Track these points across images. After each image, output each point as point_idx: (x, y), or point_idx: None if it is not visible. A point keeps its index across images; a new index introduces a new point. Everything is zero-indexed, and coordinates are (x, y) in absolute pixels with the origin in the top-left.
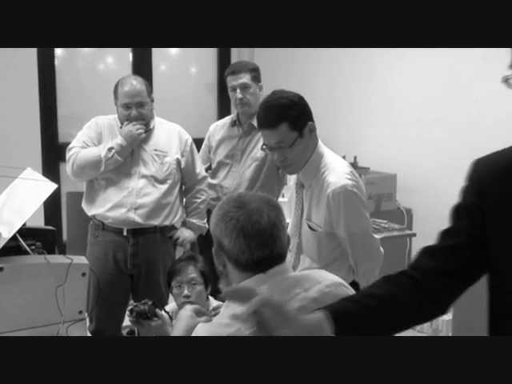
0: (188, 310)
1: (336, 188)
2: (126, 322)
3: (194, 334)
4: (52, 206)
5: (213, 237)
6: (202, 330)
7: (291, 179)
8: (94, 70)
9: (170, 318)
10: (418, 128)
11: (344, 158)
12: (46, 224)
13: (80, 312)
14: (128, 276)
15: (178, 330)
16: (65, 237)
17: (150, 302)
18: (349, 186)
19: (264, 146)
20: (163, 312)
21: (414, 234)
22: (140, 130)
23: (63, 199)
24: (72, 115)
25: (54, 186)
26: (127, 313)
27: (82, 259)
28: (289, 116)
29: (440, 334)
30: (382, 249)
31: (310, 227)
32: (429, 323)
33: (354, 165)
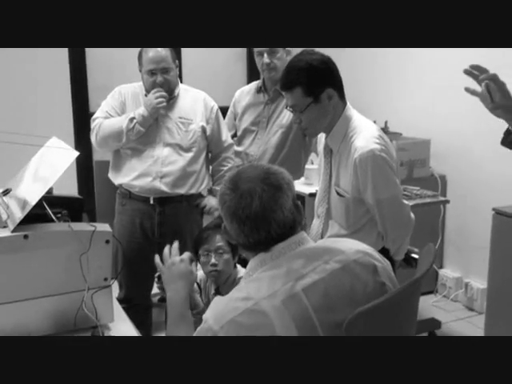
0: (181, 262)
1: (363, 152)
2: (156, 289)
3: (211, 306)
4: (84, 174)
5: None
6: (218, 303)
7: (320, 145)
8: None
9: (198, 285)
10: (452, 92)
11: (374, 122)
12: (79, 193)
13: (105, 279)
14: (156, 244)
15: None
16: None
17: None
18: (377, 150)
19: (286, 106)
20: None
21: (448, 201)
22: (160, 99)
23: (94, 168)
24: (102, 85)
25: (76, 153)
26: (155, 279)
27: (105, 227)
28: (303, 81)
29: (474, 304)
30: (412, 215)
31: (337, 193)
32: (464, 291)
33: (384, 130)
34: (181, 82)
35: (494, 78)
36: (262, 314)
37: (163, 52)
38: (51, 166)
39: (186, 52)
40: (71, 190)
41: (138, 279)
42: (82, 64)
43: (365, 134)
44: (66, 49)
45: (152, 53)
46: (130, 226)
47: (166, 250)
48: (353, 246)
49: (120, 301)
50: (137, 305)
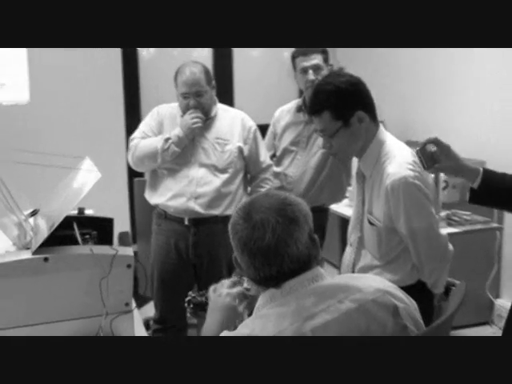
0: (227, 296)
1: (395, 179)
2: None
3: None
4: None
5: None
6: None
7: (354, 168)
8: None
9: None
10: (509, 113)
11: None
12: (130, 212)
13: (126, 304)
14: (191, 265)
15: (213, 321)
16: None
17: (201, 298)
18: (410, 177)
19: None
20: None
21: (500, 228)
22: (195, 120)
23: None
24: (155, 101)
25: (98, 175)
26: (185, 304)
27: (127, 250)
28: (332, 104)
29: None
30: (451, 247)
31: (369, 222)
32: None
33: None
34: (231, 99)
35: (437, 142)
36: None
37: (196, 75)
38: (77, 188)
39: (238, 69)
40: (122, 209)
41: (173, 300)
42: (135, 82)
43: (398, 160)
44: (121, 65)
45: (185, 76)
46: (166, 246)
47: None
48: (373, 284)
49: (155, 321)
50: (173, 326)
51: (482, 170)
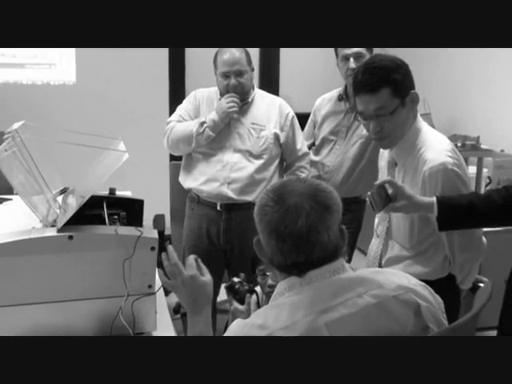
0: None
1: (434, 165)
2: (221, 296)
3: (228, 330)
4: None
5: None
6: (236, 328)
7: (382, 160)
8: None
9: (257, 302)
10: None
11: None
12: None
13: (149, 286)
14: (221, 251)
15: None
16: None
17: (246, 287)
18: (449, 163)
19: (359, 115)
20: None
21: None
22: (231, 104)
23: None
24: (200, 85)
25: (126, 156)
26: (227, 290)
27: (152, 232)
28: (392, 80)
29: None
30: (484, 240)
31: None
32: None
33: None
34: (278, 88)
35: (392, 183)
36: None
37: (237, 54)
38: (105, 168)
39: (284, 58)
40: (163, 191)
41: None
42: (181, 66)
43: (436, 147)
44: (167, 51)
45: (227, 55)
46: (198, 231)
47: (174, 268)
48: (395, 280)
49: (182, 306)
50: None
51: (435, 199)
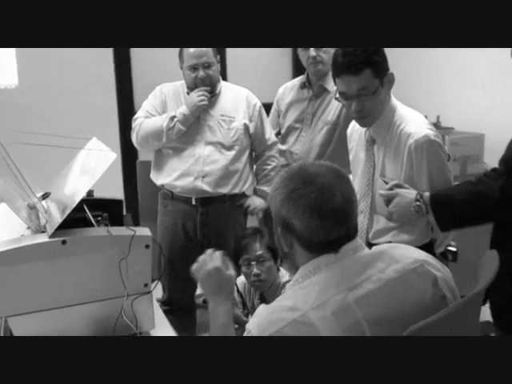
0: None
1: (419, 138)
2: (200, 290)
3: (255, 315)
4: (129, 175)
5: (275, 216)
6: (263, 312)
7: (351, 142)
8: None
9: (240, 294)
10: (508, 85)
11: (426, 117)
12: (124, 194)
13: (145, 285)
14: (198, 245)
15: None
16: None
17: None
18: (432, 135)
19: (338, 95)
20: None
21: None
22: (201, 97)
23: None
24: (147, 84)
25: (114, 155)
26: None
27: (145, 231)
28: (374, 61)
29: None
30: None
31: (386, 183)
32: None
33: (436, 125)
34: (225, 79)
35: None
36: (309, 325)
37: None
38: (90, 169)
39: (230, 48)
40: (116, 191)
41: (181, 281)
42: (127, 64)
43: (416, 121)
44: (111, 50)
45: (193, 48)
46: (173, 227)
47: (203, 257)
48: (411, 255)
49: (163, 303)
50: (182, 307)
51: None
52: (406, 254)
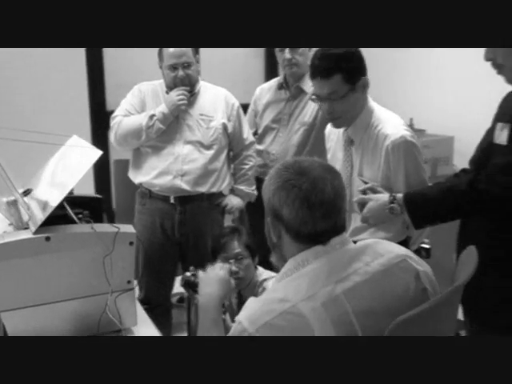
0: (221, 269)
1: (396, 139)
2: (176, 289)
3: (245, 308)
4: (101, 174)
5: (267, 206)
6: (253, 304)
7: (329, 142)
8: None
9: None
10: (477, 88)
11: None
12: (96, 192)
13: (128, 282)
14: (176, 244)
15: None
16: (114, 205)
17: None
18: (408, 136)
19: (314, 96)
20: None
21: None
22: (181, 96)
23: (112, 167)
24: (120, 84)
25: (99, 152)
26: (183, 284)
27: (129, 228)
28: (344, 67)
29: None
30: None
31: (363, 182)
32: None
33: (409, 127)
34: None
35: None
36: (299, 316)
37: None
38: (72, 166)
39: (203, 49)
40: (88, 189)
41: (159, 280)
42: (99, 63)
43: (392, 122)
44: (83, 49)
45: (173, 48)
46: (151, 225)
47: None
48: (393, 249)
49: (140, 301)
50: (158, 306)
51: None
52: (389, 248)
